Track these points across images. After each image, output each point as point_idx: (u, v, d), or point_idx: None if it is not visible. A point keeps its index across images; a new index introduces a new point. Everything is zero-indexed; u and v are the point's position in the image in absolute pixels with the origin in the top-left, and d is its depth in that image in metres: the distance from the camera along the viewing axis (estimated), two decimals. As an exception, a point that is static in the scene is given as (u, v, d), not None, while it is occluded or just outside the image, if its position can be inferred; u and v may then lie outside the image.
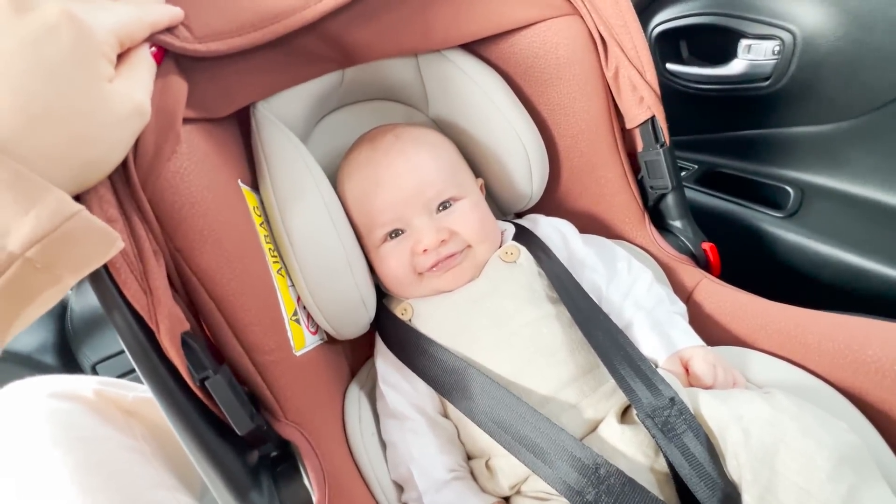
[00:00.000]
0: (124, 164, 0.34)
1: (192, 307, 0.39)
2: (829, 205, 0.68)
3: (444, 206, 0.50)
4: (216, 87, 0.42)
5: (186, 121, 0.38)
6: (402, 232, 0.50)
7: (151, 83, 0.34)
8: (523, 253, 0.51)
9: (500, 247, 0.52)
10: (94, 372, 0.81)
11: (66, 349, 0.81)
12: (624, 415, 0.43)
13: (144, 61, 0.34)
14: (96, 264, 0.29)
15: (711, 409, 0.39)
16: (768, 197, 0.73)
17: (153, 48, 0.36)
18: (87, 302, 0.83)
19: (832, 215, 0.67)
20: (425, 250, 0.48)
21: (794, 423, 0.35)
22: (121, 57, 0.32)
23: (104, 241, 0.29)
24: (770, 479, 0.34)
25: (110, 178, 0.34)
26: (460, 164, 0.54)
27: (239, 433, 0.37)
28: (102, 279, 0.34)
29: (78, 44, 0.28)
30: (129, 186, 0.34)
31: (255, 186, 0.48)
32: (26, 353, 0.76)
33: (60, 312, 0.83)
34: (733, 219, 0.74)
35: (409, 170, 0.49)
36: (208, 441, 0.37)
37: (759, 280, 0.57)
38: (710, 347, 0.47)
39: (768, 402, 0.37)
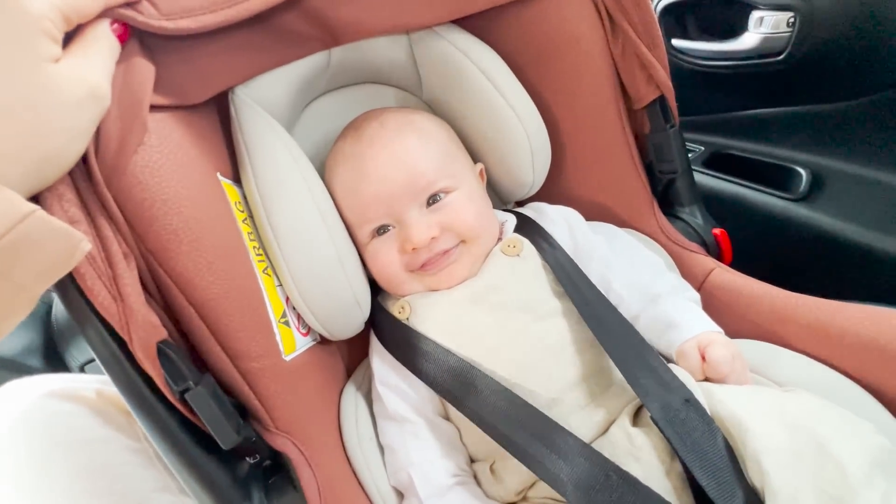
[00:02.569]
0: (85, 159, 0.31)
1: (169, 313, 0.36)
2: (845, 187, 0.65)
3: (435, 198, 0.46)
4: (189, 71, 0.38)
5: (155, 108, 0.35)
6: (391, 228, 0.47)
7: (111, 64, 0.30)
8: (526, 246, 0.48)
9: (501, 239, 0.49)
10: (83, 373, 0.79)
11: (52, 350, 0.78)
12: (637, 416, 0.40)
13: (101, 39, 0.30)
14: (62, 270, 0.27)
15: (730, 410, 0.36)
16: (779, 179, 0.70)
17: (115, 25, 0.32)
18: (64, 307, 0.80)
19: (848, 197, 0.64)
20: (414, 249, 0.45)
21: (821, 427, 0.33)
22: (71, 35, 0.29)
23: (67, 243, 0.26)
24: (797, 486, 0.32)
25: (71, 174, 0.31)
26: (454, 151, 0.51)
27: (223, 447, 0.34)
28: (68, 287, 0.31)
29: (10, 21, 0.24)
30: (91, 183, 0.31)
31: (237, 179, 0.44)
32: (10, 356, 0.74)
33: (45, 313, 0.80)
34: (743, 202, 0.71)
35: (396, 161, 0.46)
36: (192, 454, 0.35)
37: (771, 267, 0.54)
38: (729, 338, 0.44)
39: (792, 402, 0.35)
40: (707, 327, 0.44)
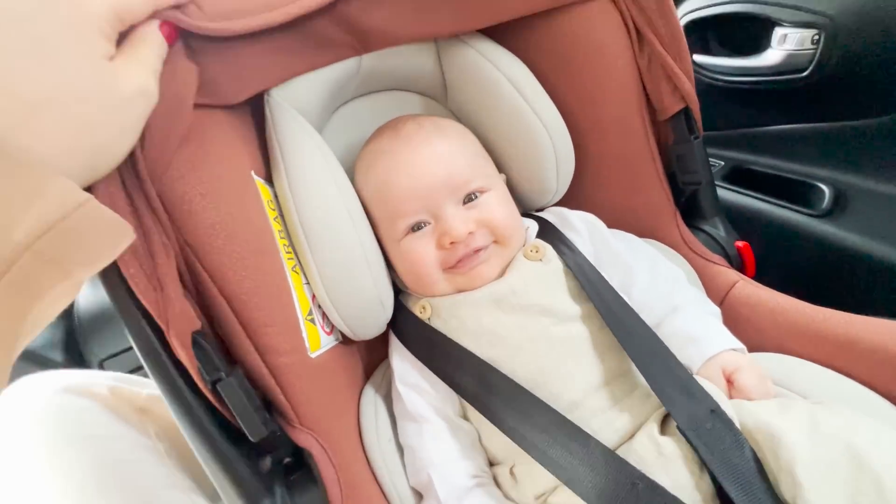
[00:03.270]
0: (131, 153, 0.32)
1: (203, 306, 0.37)
2: (868, 204, 0.64)
3: (471, 197, 0.47)
4: (228, 72, 0.39)
5: (197, 107, 0.36)
6: (427, 224, 0.47)
7: (159, 64, 0.32)
8: (549, 251, 0.48)
9: (524, 244, 0.50)
10: (102, 368, 0.80)
11: (73, 345, 0.80)
12: (664, 424, 0.40)
13: (151, 40, 0.31)
14: (108, 258, 0.28)
15: (760, 421, 0.36)
16: (801, 195, 0.70)
17: (163, 26, 0.33)
18: (94, 297, 0.81)
19: (871, 214, 0.63)
20: (453, 243, 0.45)
21: (856, 438, 0.32)
22: (124, 35, 0.30)
23: (115, 232, 0.27)
24: (832, 499, 0.31)
25: (118, 168, 0.32)
26: (485, 156, 0.52)
27: (252, 440, 0.35)
28: (112, 274, 0.32)
29: (72, 19, 0.26)
30: (136, 176, 0.32)
31: (270, 180, 0.45)
32: (32, 349, 0.75)
33: (68, 308, 0.82)
34: (764, 218, 0.71)
35: (435, 158, 0.47)
36: (219, 446, 0.35)
37: (792, 283, 0.54)
38: (751, 356, 0.44)
39: (825, 413, 0.34)
40: (728, 345, 0.44)
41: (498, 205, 0.48)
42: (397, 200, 0.47)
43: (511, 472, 0.42)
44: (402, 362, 0.47)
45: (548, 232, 0.51)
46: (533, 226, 0.52)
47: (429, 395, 0.45)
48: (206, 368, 0.33)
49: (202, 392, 0.34)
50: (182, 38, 0.36)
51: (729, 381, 0.41)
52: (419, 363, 0.46)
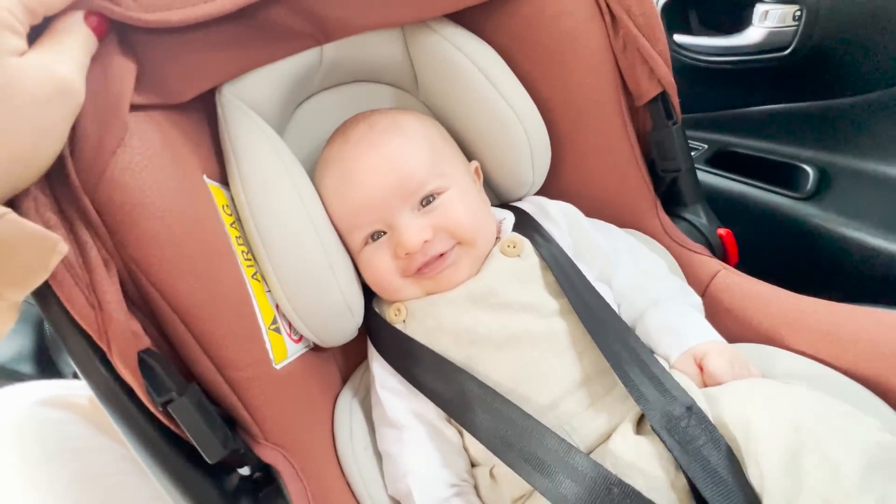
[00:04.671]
0: (61, 160, 0.29)
1: (154, 320, 0.35)
2: (853, 185, 0.63)
3: (428, 200, 0.45)
4: (172, 68, 0.37)
5: (136, 107, 0.34)
6: (384, 233, 0.45)
7: (85, 58, 0.29)
8: (526, 246, 0.46)
9: (499, 238, 0.48)
10: (76, 379, 0.78)
11: (45, 357, 0.77)
12: (641, 423, 0.39)
13: (73, 32, 0.29)
14: (39, 276, 0.26)
15: (730, 412, 0.35)
16: (785, 177, 0.68)
17: (90, 18, 0.30)
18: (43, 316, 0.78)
19: (856, 196, 0.62)
20: (408, 254, 0.43)
21: (819, 426, 0.32)
22: (40, 29, 0.27)
23: (43, 247, 0.25)
24: (792, 488, 0.30)
25: (47, 177, 0.29)
26: (445, 150, 0.49)
27: (209, 461, 0.33)
28: (46, 293, 0.29)
29: None
30: (67, 185, 0.30)
31: (225, 182, 0.43)
32: (0, 362, 0.72)
33: (37, 318, 0.79)
34: (747, 202, 0.69)
35: (384, 164, 0.44)
36: (178, 469, 0.34)
37: (777, 268, 0.53)
38: (727, 343, 0.43)
39: (792, 396, 0.34)
40: (705, 337, 0.43)
41: (457, 204, 0.45)
42: (351, 212, 0.45)
43: (491, 474, 0.41)
44: (383, 366, 0.46)
45: (525, 224, 0.49)
46: (509, 217, 0.50)
47: (410, 400, 0.44)
48: (155, 389, 0.31)
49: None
50: (116, 32, 0.33)
51: (700, 368, 0.41)
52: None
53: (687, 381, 0.39)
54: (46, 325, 0.80)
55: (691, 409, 0.35)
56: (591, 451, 0.39)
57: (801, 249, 0.64)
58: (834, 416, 0.33)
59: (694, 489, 0.34)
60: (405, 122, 0.48)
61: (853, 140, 0.64)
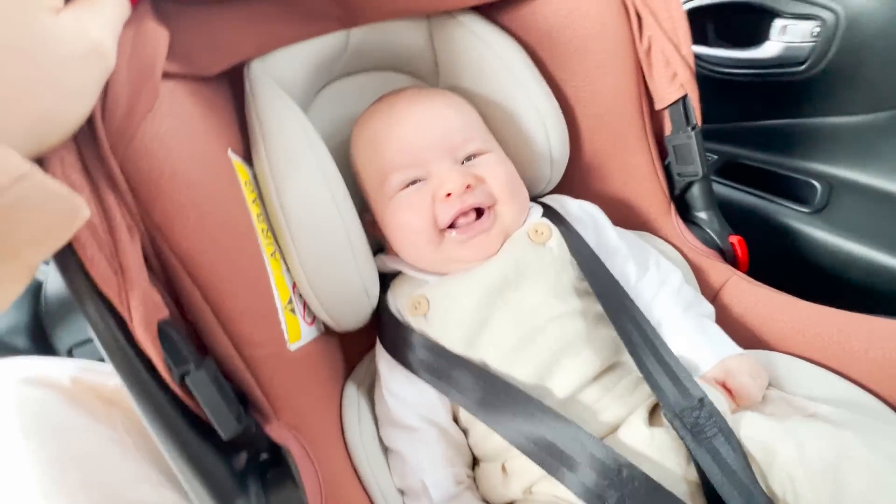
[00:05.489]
0: (91, 123, 0.29)
1: (172, 292, 0.34)
2: (859, 200, 0.64)
3: (470, 157, 0.46)
4: (204, 39, 0.36)
5: (168, 75, 0.33)
6: (422, 180, 0.45)
7: (118, 22, 0.28)
8: (555, 235, 0.45)
9: (527, 223, 0.47)
10: (71, 356, 0.76)
11: (39, 331, 0.75)
12: (653, 415, 0.40)
13: None
14: (61, 237, 0.25)
15: (756, 424, 0.36)
16: (793, 191, 0.69)
17: None
18: (63, 279, 0.77)
19: (862, 211, 0.63)
20: (448, 195, 0.42)
21: (856, 438, 0.32)
22: None
23: (66, 209, 0.24)
24: (834, 495, 0.31)
25: (76, 139, 0.29)
26: (485, 126, 0.50)
27: (223, 437, 0.32)
28: (67, 257, 0.29)
29: None
30: (96, 148, 0.29)
31: (248, 159, 0.42)
32: (-6, 334, 0.71)
33: (34, 291, 0.77)
34: (756, 213, 0.70)
35: (433, 116, 0.45)
36: (189, 443, 0.33)
37: (783, 279, 0.53)
38: (742, 353, 0.43)
39: (822, 417, 0.34)
40: (722, 354, 0.43)
41: (500, 165, 0.46)
42: (391, 152, 0.45)
43: (503, 468, 0.41)
44: (391, 372, 0.45)
45: (552, 216, 0.48)
46: (536, 208, 0.50)
47: (418, 406, 0.43)
48: (173, 360, 0.30)
49: (170, 386, 0.31)
50: (151, 0, 0.33)
51: (727, 390, 0.41)
52: (407, 371, 0.43)
53: (706, 385, 0.38)
54: (43, 300, 0.79)
55: (703, 401, 0.36)
56: (603, 438, 0.39)
57: (807, 262, 0.64)
58: (868, 429, 0.33)
59: (704, 481, 0.34)
60: (453, 96, 0.49)
61: (861, 157, 0.65)
